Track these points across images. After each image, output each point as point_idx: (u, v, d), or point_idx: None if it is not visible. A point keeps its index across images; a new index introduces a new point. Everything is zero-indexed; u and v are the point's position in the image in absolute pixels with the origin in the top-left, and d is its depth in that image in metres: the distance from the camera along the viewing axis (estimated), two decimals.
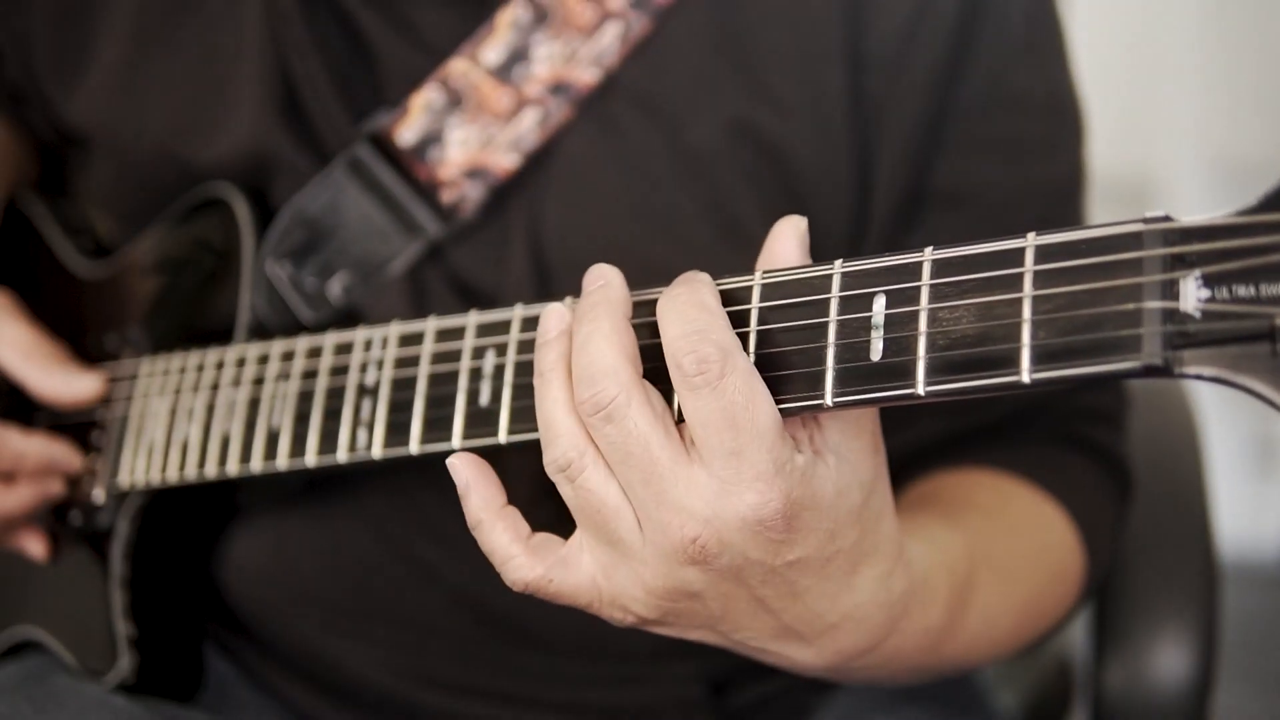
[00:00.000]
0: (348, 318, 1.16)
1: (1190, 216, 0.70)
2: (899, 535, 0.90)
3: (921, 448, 1.18)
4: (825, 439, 0.84)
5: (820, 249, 0.86)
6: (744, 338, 0.83)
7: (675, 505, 0.82)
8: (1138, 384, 1.26)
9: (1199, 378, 0.68)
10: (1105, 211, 1.19)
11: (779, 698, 1.25)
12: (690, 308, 0.81)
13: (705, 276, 0.84)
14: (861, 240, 1.15)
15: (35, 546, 1.24)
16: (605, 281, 0.86)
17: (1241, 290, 0.67)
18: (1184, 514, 1.37)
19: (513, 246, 1.16)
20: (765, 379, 0.81)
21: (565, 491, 0.86)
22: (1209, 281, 0.68)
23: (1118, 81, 2.97)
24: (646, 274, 0.90)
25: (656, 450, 0.81)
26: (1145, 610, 1.30)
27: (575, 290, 0.91)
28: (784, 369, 0.81)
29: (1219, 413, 2.04)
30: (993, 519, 1.11)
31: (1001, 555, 1.07)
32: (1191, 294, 0.68)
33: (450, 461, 0.89)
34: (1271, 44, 3.16)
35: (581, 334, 0.84)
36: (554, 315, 0.87)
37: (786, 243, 0.86)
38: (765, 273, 0.84)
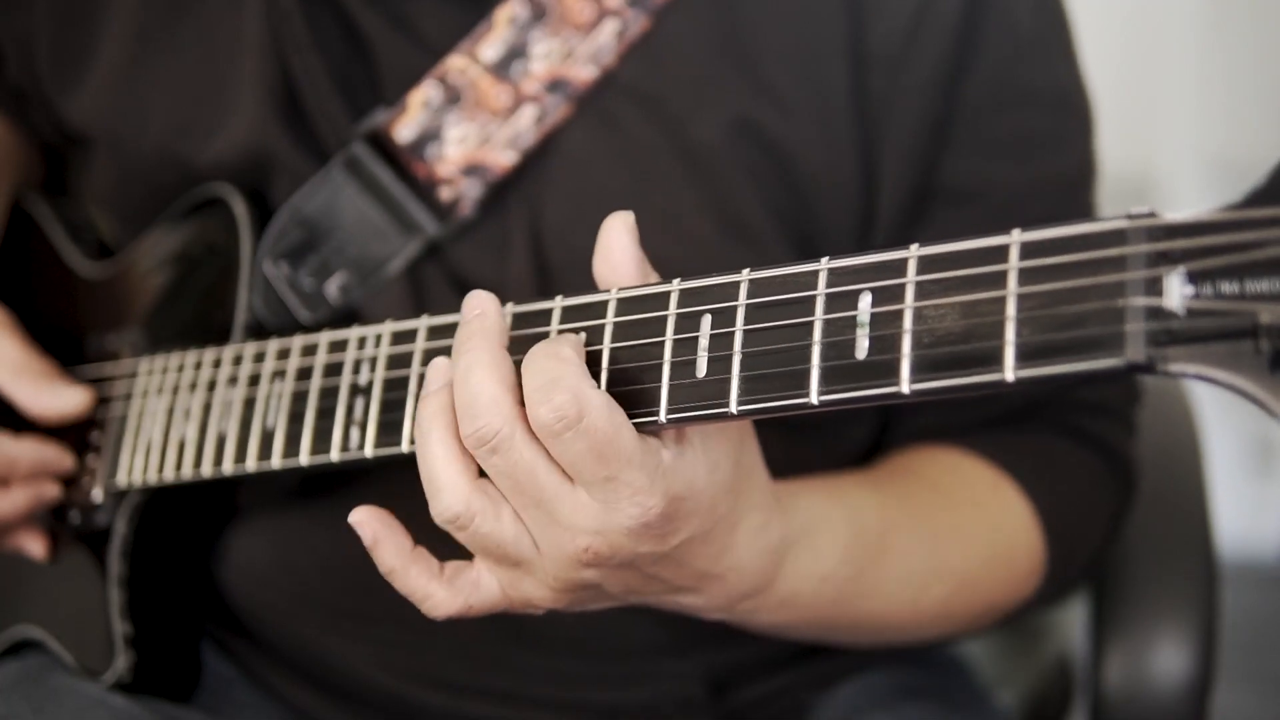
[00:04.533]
0: (346, 318, 1.16)
1: (1176, 212, 0.70)
2: (771, 485, 0.94)
3: (915, 437, 1.18)
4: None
5: (827, 246, 0.86)
6: (594, 360, 0.87)
7: (565, 523, 0.86)
8: (1140, 384, 1.26)
9: (1183, 375, 0.68)
10: (1104, 211, 1.18)
11: (778, 696, 1.25)
12: (544, 359, 0.84)
13: (566, 336, 0.88)
14: (869, 237, 1.15)
15: (35, 546, 1.25)
16: (481, 310, 0.89)
17: (1226, 287, 0.67)
18: (1184, 514, 1.37)
19: (513, 244, 1.16)
20: (748, 378, 0.81)
21: (461, 538, 0.90)
22: (1194, 278, 0.67)
23: (1117, 81, 2.96)
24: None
25: (543, 477, 0.85)
26: (1145, 609, 1.30)
27: (575, 287, 0.91)
28: (769, 368, 0.81)
29: (1219, 413, 2.04)
30: (935, 491, 1.13)
31: (935, 524, 1.10)
32: (1176, 291, 0.68)
33: (353, 519, 0.93)
34: (1270, 44, 3.15)
35: (461, 367, 0.86)
36: (438, 369, 0.90)
37: (619, 245, 0.90)
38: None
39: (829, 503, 1.02)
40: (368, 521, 0.93)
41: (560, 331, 0.90)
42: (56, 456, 1.21)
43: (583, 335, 0.88)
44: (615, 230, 0.90)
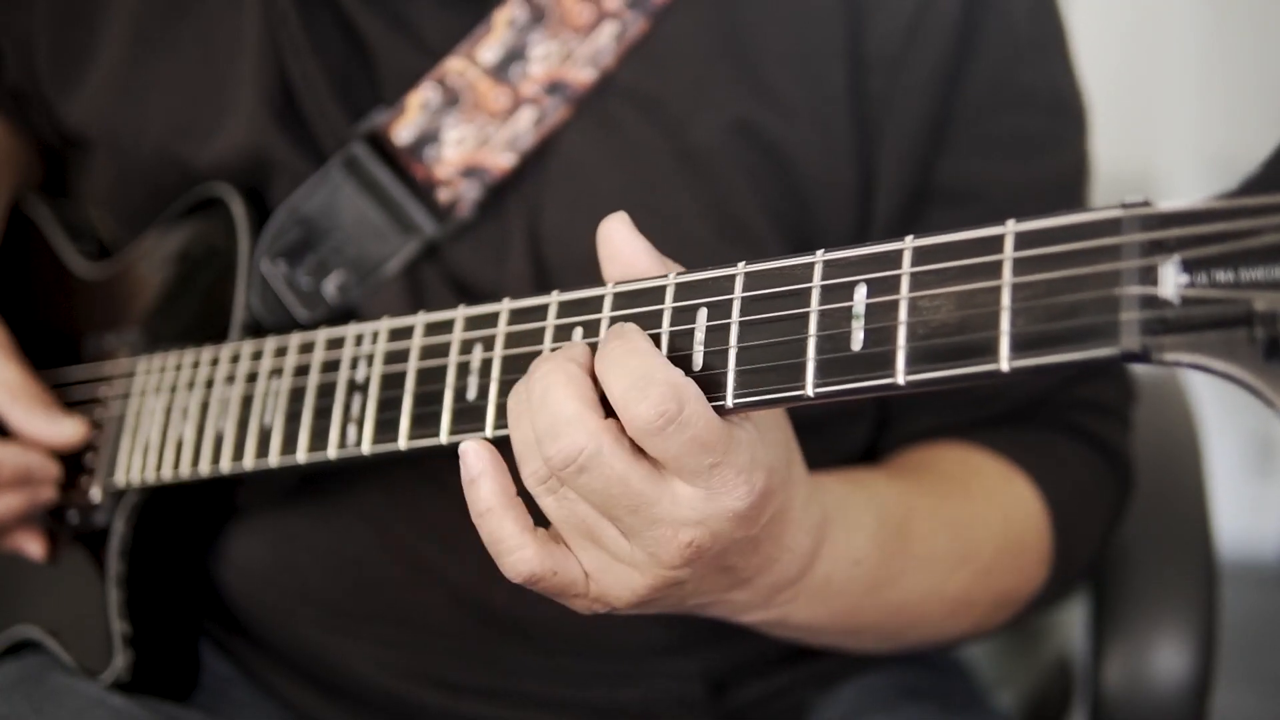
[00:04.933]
0: (344, 317, 1.16)
1: (1170, 201, 0.69)
2: (804, 462, 0.93)
3: (916, 437, 1.18)
4: None
5: (824, 247, 0.86)
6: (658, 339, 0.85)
7: (666, 520, 0.83)
8: (1137, 382, 1.26)
9: (1178, 364, 0.68)
10: None
11: (779, 696, 1.25)
12: (625, 355, 0.82)
13: (632, 325, 0.85)
14: (867, 239, 1.15)
15: (33, 546, 1.25)
16: (562, 346, 0.87)
17: (1220, 275, 0.66)
18: (1184, 514, 1.36)
19: (511, 245, 1.16)
20: (743, 371, 0.81)
21: (547, 504, 0.86)
22: (1188, 267, 0.67)
23: (1117, 81, 2.97)
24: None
25: (637, 484, 0.82)
26: (1145, 609, 1.29)
27: (574, 289, 0.91)
28: (765, 361, 0.81)
29: (1219, 412, 2.04)
30: (950, 482, 1.12)
31: (952, 514, 1.09)
32: (1170, 279, 0.68)
33: (464, 448, 0.87)
34: (1270, 44, 3.15)
35: (537, 391, 0.83)
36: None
37: (623, 240, 0.88)
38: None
39: (851, 489, 1.02)
40: (475, 452, 0.87)
41: (557, 327, 0.90)
42: (41, 463, 1.21)
43: (575, 338, 0.88)
44: (615, 230, 0.88)
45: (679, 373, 0.81)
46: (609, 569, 0.88)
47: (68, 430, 1.22)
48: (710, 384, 0.82)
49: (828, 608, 1.01)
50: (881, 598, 1.04)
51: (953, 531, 1.09)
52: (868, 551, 1.00)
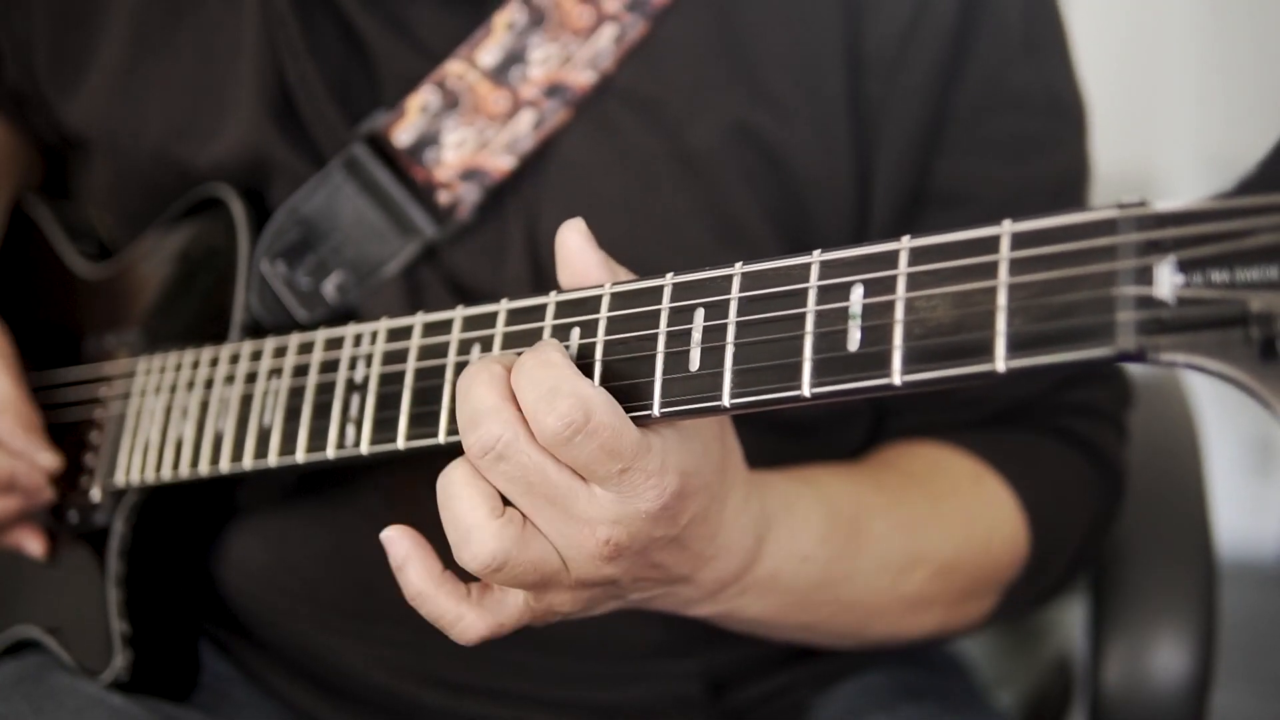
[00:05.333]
0: (343, 318, 1.16)
1: (1166, 201, 0.70)
2: (743, 461, 0.95)
3: (901, 437, 1.18)
4: None
5: (821, 248, 0.86)
6: (588, 354, 0.87)
7: (582, 518, 0.86)
8: (1137, 383, 1.26)
9: (1174, 364, 0.68)
10: None
11: (778, 696, 1.25)
12: (536, 369, 0.84)
13: (551, 340, 0.88)
14: (863, 240, 1.15)
15: (33, 545, 1.25)
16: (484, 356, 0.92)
17: (1216, 275, 0.67)
18: (1183, 514, 1.36)
19: (510, 248, 1.16)
20: (740, 371, 0.82)
21: (496, 579, 0.89)
22: (1184, 267, 0.67)
23: (1117, 80, 2.97)
24: (644, 273, 0.90)
25: (554, 475, 0.85)
26: (1144, 609, 1.29)
27: None
28: (762, 360, 0.81)
29: (1218, 413, 2.04)
30: (911, 480, 1.13)
31: (910, 513, 1.10)
32: (1166, 280, 0.68)
33: (384, 536, 0.92)
34: (1270, 44, 3.16)
35: (461, 386, 0.87)
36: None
37: (577, 248, 0.90)
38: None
39: (799, 486, 1.03)
40: (398, 539, 0.91)
41: (555, 327, 0.90)
42: (26, 470, 1.21)
43: (573, 338, 0.89)
44: (570, 239, 0.90)
45: (588, 384, 0.83)
46: (546, 591, 0.91)
47: (43, 460, 1.22)
48: (707, 383, 0.82)
49: (778, 602, 1.02)
50: (833, 594, 1.05)
51: (908, 530, 1.09)
52: (815, 548, 1.01)
